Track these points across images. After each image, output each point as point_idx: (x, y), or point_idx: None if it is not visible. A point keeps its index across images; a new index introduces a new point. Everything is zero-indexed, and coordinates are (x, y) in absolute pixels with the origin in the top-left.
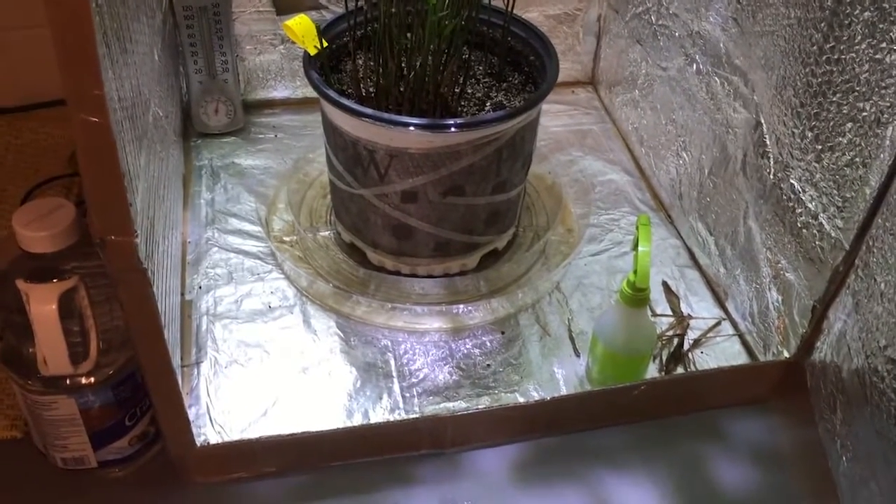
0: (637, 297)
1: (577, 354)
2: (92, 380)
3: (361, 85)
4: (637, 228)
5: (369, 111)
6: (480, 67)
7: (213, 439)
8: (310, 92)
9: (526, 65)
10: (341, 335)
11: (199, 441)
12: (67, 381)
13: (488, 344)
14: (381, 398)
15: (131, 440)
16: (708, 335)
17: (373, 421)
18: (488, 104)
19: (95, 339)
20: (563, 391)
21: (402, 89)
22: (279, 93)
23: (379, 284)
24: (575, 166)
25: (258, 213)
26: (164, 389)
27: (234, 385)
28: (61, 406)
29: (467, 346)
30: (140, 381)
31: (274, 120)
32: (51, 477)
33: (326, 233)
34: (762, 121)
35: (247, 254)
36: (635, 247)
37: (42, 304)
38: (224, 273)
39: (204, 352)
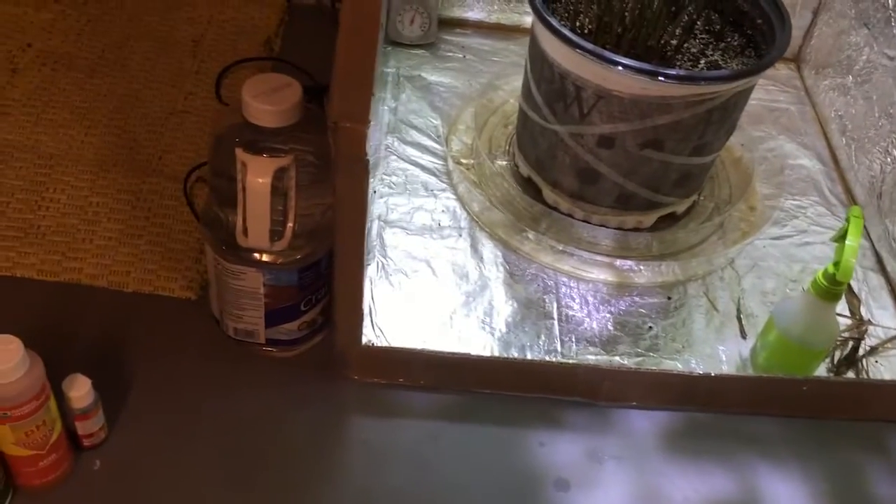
0: (831, 290)
1: (744, 336)
2: (280, 260)
3: (578, 20)
4: (847, 220)
5: (590, 45)
6: (699, 23)
7: (372, 341)
8: (504, 17)
9: (749, 27)
10: (507, 267)
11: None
12: (260, 256)
13: (652, 306)
14: (539, 337)
15: (301, 325)
16: (886, 345)
17: (528, 357)
18: (702, 62)
19: (294, 220)
20: (724, 370)
21: (620, 31)
22: (474, 14)
23: (550, 224)
24: (765, 144)
25: (439, 130)
26: (350, 282)
27: (397, 293)
28: (248, 278)
29: (630, 304)
30: (322, 271)
31: (464, 40)
32: (219, 342)
33: (503, 162)
34: None
35: (423, 168)
36: (839, 238)
37: (258, 176)
38: (399, 182)
39: (372, 255)
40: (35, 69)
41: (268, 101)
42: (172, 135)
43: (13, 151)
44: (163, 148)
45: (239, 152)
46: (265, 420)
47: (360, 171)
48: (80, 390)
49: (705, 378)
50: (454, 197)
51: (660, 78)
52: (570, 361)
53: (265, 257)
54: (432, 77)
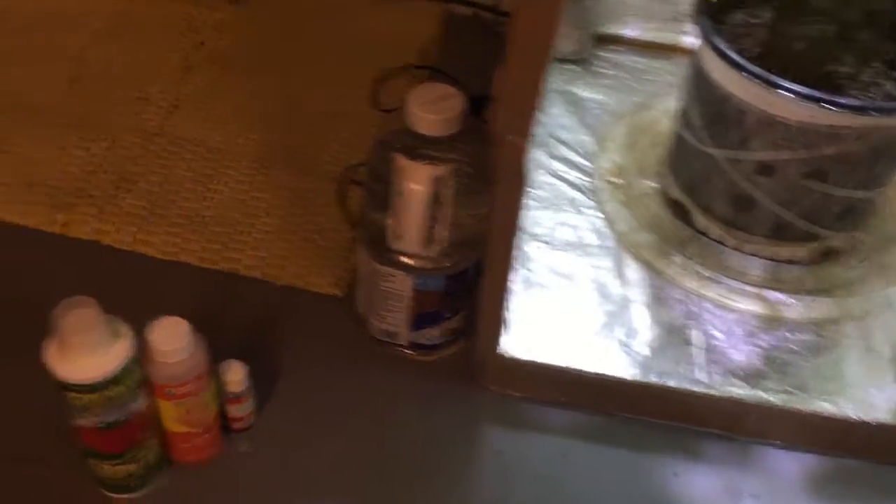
0: None
1: None
2: (430, 265)
3: (743, 43)
4: None
5: (758, 69)
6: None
7: (511, 353)
8: (660, 37)
9: None
10: (650, 290)
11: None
12: (411, 261)
13: (803, 343)
14: (679, 364)
15: (444, 331)
16: None
17: (669, 384)
18: (874, 91)
19: (447, 228)
20: (880, 417)
21: (789, 56)
22: (630, 31)
23: (699, 250)
24: None
25: (588, 146)
26: (497, 293)
27: (537, 307)
28: (398, 281)
29: (780, 339)
30: (468, 280)
31: (618, 57)
32: (362, 341)
33: (653, 184)
34: None
35: (570, 184)
36: None
37: (416, 182)
38: (545, 196)
39: (514, 267)
40: (206, 67)
41: (432, 110)
42: (328, 137)
43: (185, 144)
44: (319, 149)
45: (398, 158)
46: (403, 420)
47: (517, 184)
48: (236, 375)
49: (860, 424)
50: (600, 215)
51: (829, 106)
52: (713, 392)
53: (416, 262)
54: (584, 93)
